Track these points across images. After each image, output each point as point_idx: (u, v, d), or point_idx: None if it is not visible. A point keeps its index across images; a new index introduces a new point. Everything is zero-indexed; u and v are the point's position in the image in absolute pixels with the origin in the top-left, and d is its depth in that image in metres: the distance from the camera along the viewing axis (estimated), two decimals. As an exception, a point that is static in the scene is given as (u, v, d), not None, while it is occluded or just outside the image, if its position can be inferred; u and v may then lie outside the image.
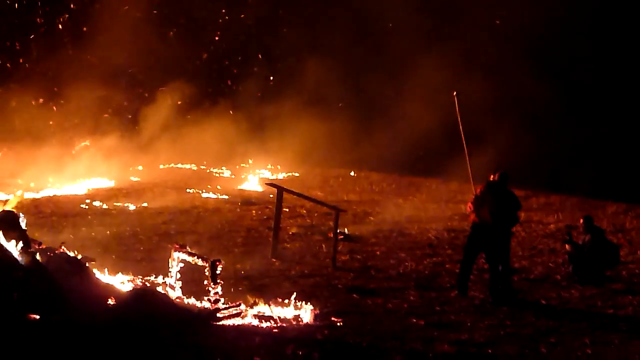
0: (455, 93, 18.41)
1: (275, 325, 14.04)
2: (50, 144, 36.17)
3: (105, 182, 32.03)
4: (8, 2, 40.26)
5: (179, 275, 14.76)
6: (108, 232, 22.58)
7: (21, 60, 40.62)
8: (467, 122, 18.29)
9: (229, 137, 37.50)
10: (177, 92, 39.57)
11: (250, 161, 38.51)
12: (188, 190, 31.30)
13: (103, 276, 14.37)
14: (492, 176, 17.28)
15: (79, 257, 14.25)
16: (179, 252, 14.78)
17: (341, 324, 14.46)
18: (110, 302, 13.30)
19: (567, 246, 19.40)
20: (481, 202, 16.93)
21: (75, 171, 31.92)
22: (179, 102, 39.71)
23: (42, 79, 39.54)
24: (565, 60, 38.81)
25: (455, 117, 18.25)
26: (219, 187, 32.03)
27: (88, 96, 37.77)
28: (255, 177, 34.93)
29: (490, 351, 13.25)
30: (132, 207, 26.94)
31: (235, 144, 37.91)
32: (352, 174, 38.13)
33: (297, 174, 37.11)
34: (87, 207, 26.61)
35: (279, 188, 21.32)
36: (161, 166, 37.41)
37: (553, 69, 38.35)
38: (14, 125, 37.08)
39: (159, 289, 14.51)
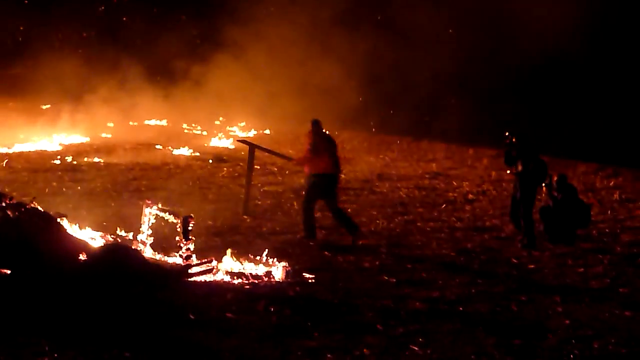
0: None
1: (246, 281, 14.05)
2: (20, 99, 35.96)
3: (76, 139, 31.85)
4: None
5: (150, 231, 14.71)
6: (79, 187, 22.51)
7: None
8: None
9: (200, 94, 37.28)
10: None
11: (220, 118, 38.43)
12: (158, 146, 31.19)
13: (74, 232, 14.29)
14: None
15: (50, 212, 14.16)
16: (151, 207, 14.73)
17: (313, 280, 14.46)
18: (82, 257, 13.24)
19: (544, 188, 19.27)
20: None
21: (46, 127, 31.77)
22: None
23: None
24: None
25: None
26: (189, 144, 31.92)
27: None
28: (226, 135, 34.82)
29: (461, 309, 13.28)
30: (102, 163, 26.84)
31: (206, 100, 37.66)
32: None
33: (268, 132, 37.00)
34: (58, 162, 26.49)
35: (251, 145, 21.26)
36: (131, 123, 37.17)
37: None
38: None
39: (131, 245, 14.45)
